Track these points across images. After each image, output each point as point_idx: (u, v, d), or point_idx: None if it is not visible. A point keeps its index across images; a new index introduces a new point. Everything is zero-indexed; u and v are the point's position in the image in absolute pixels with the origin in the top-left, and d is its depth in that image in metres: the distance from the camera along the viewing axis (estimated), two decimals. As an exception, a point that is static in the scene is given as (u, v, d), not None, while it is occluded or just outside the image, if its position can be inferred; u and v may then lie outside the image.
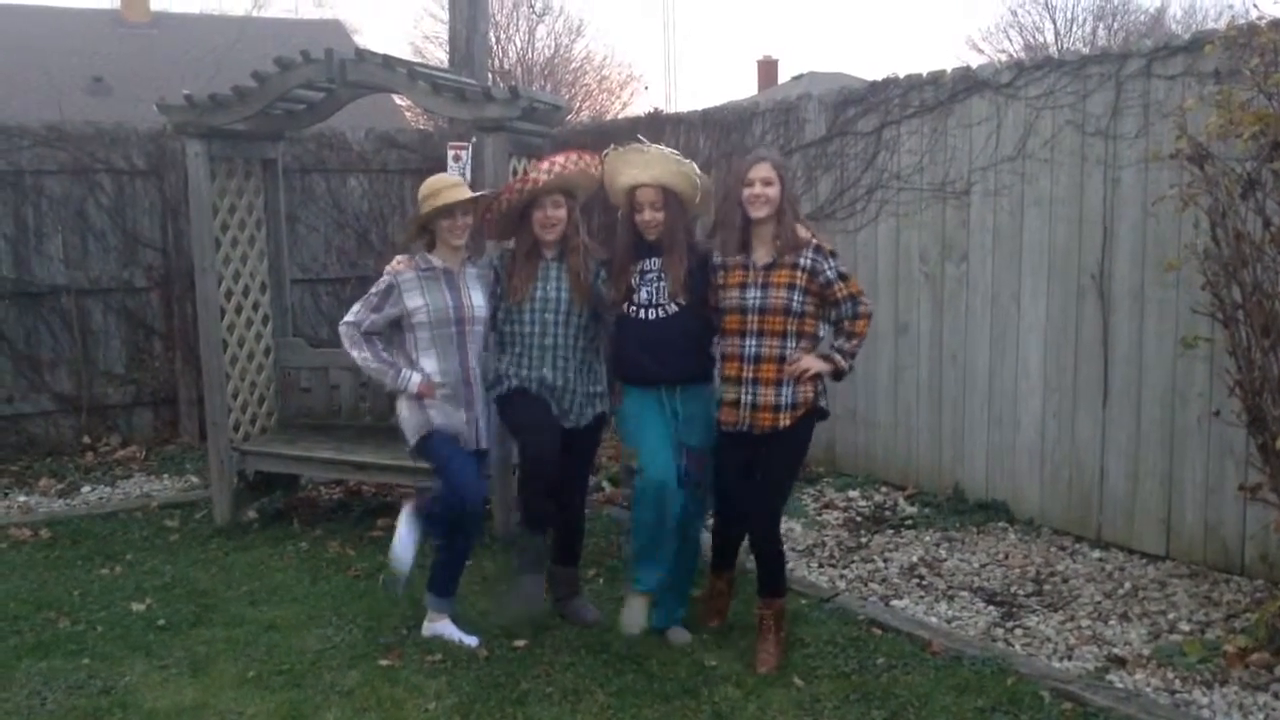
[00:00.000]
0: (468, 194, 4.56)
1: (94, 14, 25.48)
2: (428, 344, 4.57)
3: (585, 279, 4.58)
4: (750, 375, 4.33)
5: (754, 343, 4.33)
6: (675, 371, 4.50)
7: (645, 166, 4.42)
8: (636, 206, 4.45)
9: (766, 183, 4.26)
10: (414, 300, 4.54)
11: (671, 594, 4.63)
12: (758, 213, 4.28)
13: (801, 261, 4.29)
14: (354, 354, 4.59)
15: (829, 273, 4.30)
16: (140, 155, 8.27)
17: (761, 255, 4.34)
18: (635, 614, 4.58)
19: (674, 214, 4.43)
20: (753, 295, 4.31)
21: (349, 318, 4.61)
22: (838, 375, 4.39)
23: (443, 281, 4.57)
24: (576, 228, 4.64)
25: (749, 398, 4.33)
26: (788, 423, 4.33)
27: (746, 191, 4.28)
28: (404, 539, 4.51)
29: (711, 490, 4.65)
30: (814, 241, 4.33)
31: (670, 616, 4.65)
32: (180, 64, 20.28)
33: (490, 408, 4.74)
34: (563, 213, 4.56)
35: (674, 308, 4.45)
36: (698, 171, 4.45)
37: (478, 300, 4.62)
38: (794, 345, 4.32)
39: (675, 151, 4.48)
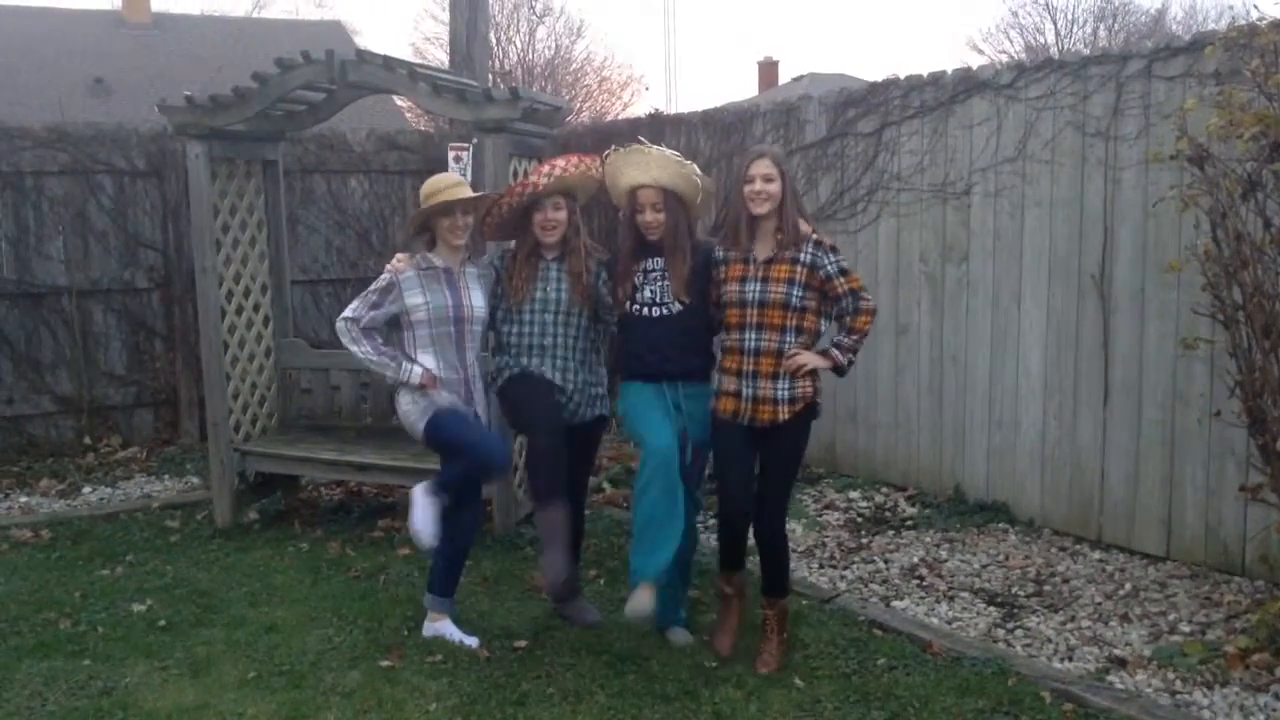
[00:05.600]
0: (469, 193, 4.58)
1: (95, 15, 25.58)
2: (426, 342, 4.59)
3: (587, 280, 4.59)
4: (750, 369, 4.33)
5: (753, 336, 4.32)
6: (678, 366, 4.48)
7: (646, 168, 4.42)
8: (638, 208, 4.45)
9: (767, 179, 4.26)
10: (414, 298, 4.56)
11: (669, 591, 4.58)
12: (759, 209, 4.28)
13: (802, 256, 4.29)
14: (353, 349, 4.60)
15: (829, 267, 4.31)
16: (141, 156, 8.28)
17: (762, 250, 4.34)
18: (642, 599, 4.30)
19: (675, 215, 4.43)
20: (752, 289, 4.31)
21: (347, 313, 4.62)
22: (838, 371, 4.39)
23: (443, 280, 4.59)
24: (577, 229, 4.65)
25: (749, 390, 4.33)
26: (786, 416, 4.32)
27: (747, 188, 4.28)
28: (423, 509, 4.36)
29: (706, 487, 4.60)
30: (814, 236, 4.34)
31: (670, 616, 4.64)
32: (181, 65, 20.37)
33: (491, 404, 4.73)
34: (563, 214, 4.57)
35: (678, 306, 4.44)
36: (698, 172, 4.45)
37: (477, 300, 4.64)
38: (793, 340, 4.31)
39: (676, 153, 4.48)
